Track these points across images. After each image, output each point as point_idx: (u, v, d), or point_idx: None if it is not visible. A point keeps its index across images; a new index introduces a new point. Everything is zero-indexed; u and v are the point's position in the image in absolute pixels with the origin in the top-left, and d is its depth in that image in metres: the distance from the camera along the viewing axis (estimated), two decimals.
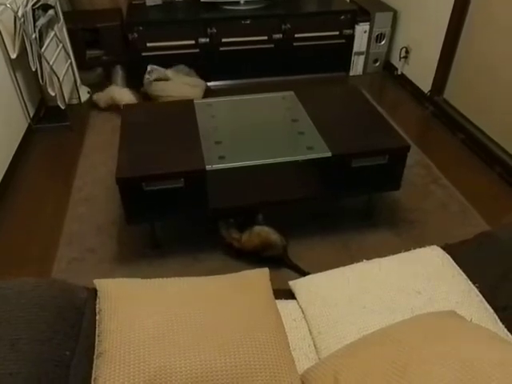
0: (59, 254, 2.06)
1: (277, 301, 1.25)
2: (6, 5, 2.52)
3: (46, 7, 2.78)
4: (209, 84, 3.49)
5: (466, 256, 1.37)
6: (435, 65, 3.07)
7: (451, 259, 1.37)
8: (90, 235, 2.16)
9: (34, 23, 2.60)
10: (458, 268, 1.33)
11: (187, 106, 2.25)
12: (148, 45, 3.28)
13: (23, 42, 2.60)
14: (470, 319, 1.15)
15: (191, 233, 2.18)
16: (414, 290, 1.25)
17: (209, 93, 3.35)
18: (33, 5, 2.62)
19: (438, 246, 1.44)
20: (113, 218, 2.26)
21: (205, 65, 3.41)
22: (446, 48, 2.95)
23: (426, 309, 1.20)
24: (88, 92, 3.40)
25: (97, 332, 1.10)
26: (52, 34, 2.89)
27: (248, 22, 3.33)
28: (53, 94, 2.80)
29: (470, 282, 1.28)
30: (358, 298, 1.25)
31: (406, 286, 1.27)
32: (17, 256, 2.06)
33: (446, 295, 1.24)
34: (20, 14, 2.53)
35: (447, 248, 1.42)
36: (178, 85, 3.14)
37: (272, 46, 3.44)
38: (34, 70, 2.64)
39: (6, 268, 2.00)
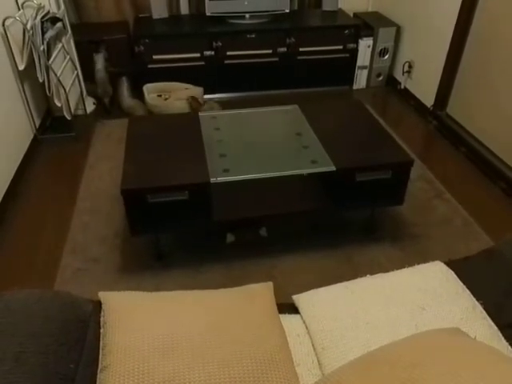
0: (63, 264, 2.06)
1: (280, 315, 1.25)
2: (15, 17, 2.56)
3: (54, 20, 2.82)
4: (213, 96, 3.52)
5: (470, 272, 1.37)
6: (438, 79, 3.10)
7: (455, 275, 1.36)
8: (94, 245, 2.17)
9: (43, 35, 2.64)
10: (462, 284, 1.33)
11: (192, 118, 2.27)
12: (154, 57, 3.32)
13: (31, 53, 2.63)
14: (474, 336, 1.15)
15: (195, 244, 2.18)
16: (418, 305, 1.25)
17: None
18: (42, 17, 2.66)
19: (441, 261, 1.44)
20: (117, 228, 2.27)
21: (210, 77, 3.45)
22: (448, 63, 2.98)
23: (431, 325, 1.20)
24: (93, 103, 3.43)
25: (101, 345, 1.10)
26: (59, 46, 2.93)
27: (253, 35, 3.37)
28: (59, 105, 2.83)
29: (474, 299, 1.28)
30: (361, 313, 1.25)
31: (410, 301, 1.27)
32: (21, 265, 2.07)
33: (450, 312, 1.24)
34: (29, 26, 2.58)
35: (451, 264, 1.42)
36: (176, 102, 3.16)
37: (276, 59, 3.48)
38: (41, 81, 2.67)
39: (10, 277, 2.01)
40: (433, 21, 3.12)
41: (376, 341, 1.17)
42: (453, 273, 1.37)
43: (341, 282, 1.44)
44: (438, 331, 1.08)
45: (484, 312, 1.25)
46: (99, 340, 1.13)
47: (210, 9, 3.36)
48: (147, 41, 3.27)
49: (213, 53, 3.37)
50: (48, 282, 1.98)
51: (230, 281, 1.98)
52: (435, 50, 3.11)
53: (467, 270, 1.38)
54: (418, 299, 1.27)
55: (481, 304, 1.27)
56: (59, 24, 2.89)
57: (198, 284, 1.97)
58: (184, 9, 3.68)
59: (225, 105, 3.45)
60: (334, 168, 1.89)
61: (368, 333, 1.19)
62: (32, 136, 2.89)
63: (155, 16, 3.47)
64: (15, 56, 2.60)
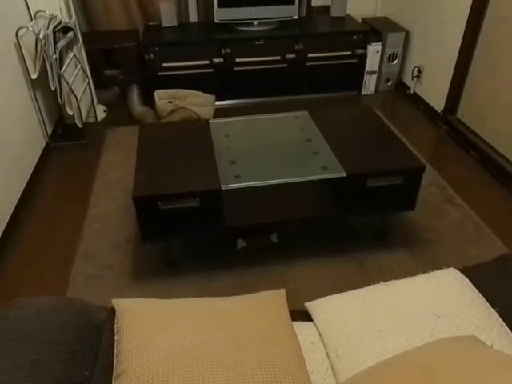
0: (75, 271, 2.08)
1: (293, 323, 1.24)
2: (28, 28, 2.61)
3: (66, 29, 2.87)
4: (223, 103, 3.55)
5: (485, 279, 1.35)
6: (448, 84, 3.08)
7: (470, 282, 1.35)
8: (106, 252, 2.18)
9: (55, 45, 2.68)
10: (477, 291, 1.31)
11: (202, 125, 2.29)
12: (163, 65, 3.35)
13: (43, 62, 2.67)
14: (490, 345, 1.14)
15: (206, 250, 2.19)
16: (433, 313, 1.24)
17: (222, 112, 3.40)
18: (54, 27, 2.70)
19: (455, 268, 1.43)
20: (128, 234, 2.29)
21: (219, 84, 3.47)
22: (458, 67, 2.97)
23: (446, 333, 1.19)
24: (104, 110, 3.47)
25: (115, 352, 1.11)
26: (71, 54, 2.97)
27: (261, 42, 3.39)
28: (71, 113, 2.86)
29: (489, 306, 1.26)
30: (375, 320, 1.24)
31: (425, 309, 1.26)
32: (34, 272, 2.09)
33: (466, 319, 1.22)
34: (41, 36, 2.62)
35: (465, 270, 1.40)
36: (187, 107, 3.18)
37: (285, 65, 3.50)
38: (53, 89, 2.71)
39: (23, 284, 2.02)
40: (442, 25, 3.11)
41: (391, 348, 1.16)
42: (467, 280, 1.35)
43: (352, 288, 1.43)
44: (455, 339, 1.07)
45: (500, 319, 1.23)
46: (113, 347, 1.13)
47: (218, 16, 3.39)
48: (157, 49, 3.30)
49: (222, 60, 3.40)
50: (60, 289, 1.99)
51: (241, 287, 1.98)
52: (445, 55, 3.10)
53: (482, 277, 1.36)
54: (432, 306, 1.26)
55: (497, 311, 1.25)
56: (71, 33, 2.93)
57: (209, 290, 1.97)
58: (193, 16, 3.71)
59: (234, 111, 3.47)
60: (344, 174, 1.88)
61: (382, 340, 1.18)
62: (44, 144, 2.93)
63: (165, 24, 3.50)
64: (28, 65, 2.64)
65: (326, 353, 1.22)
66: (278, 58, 3.46)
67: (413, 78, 3.51)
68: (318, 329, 1.28)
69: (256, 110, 3.43)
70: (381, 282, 1.40)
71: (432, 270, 1.45)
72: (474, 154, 2.88)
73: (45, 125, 2.94)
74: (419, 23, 3.41)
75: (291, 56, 3.46)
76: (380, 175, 1.91)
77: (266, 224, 2.08)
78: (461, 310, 1.25)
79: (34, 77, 2.68)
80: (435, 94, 3.27)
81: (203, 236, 2.24)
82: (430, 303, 1.27)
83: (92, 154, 2.96)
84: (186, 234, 1.95)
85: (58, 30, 2.76)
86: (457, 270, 1.41)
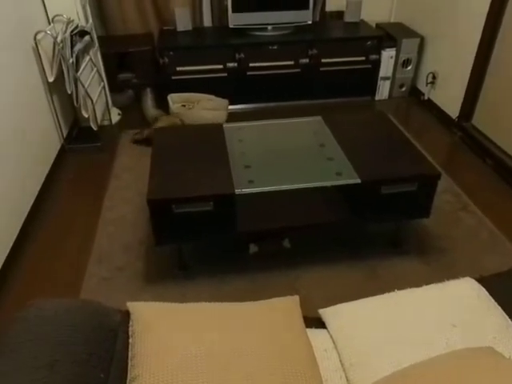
0: (89, 273, 2.09)
1: (307, 329, 1.24)
2: (46, 31, 2.65)
3: (82, 33, 2.90)
4: (236, 107, 3.56)
5: (502, 289, 1.33)
6: (463, 90, 3.06)
7: (486, 292, 1.33)
8: (119, 254, 2.20)
9: (72, 48, 2.72)
10: (494, 301, 1.30)
11: (216, 129, 2.30)
12: (178, 69, 3.38)
13: (60, 66, 2.71)
14: (508, 356, 1.12)
15: (218, 255, 2.19)
16: (449, 323, 1.23)
17: (235, 116, 3.41)
18: (71, 31, 2.74)
19: (471, 277, 1.41)
20: (141, 237, 2.30)
21: (232, 88, 3.48)
22: (474, 73, 2.94)
23: (462, 343, 1.17)
24: (118, 114, 3.50)
25: (130, 355, 1.11)
26: (87, 58, 3.01)
27: (275, 47, 3.40)
28: (86, 116, 2.89)
29: (507, 317, 1.24)
30: (390, 329, 1.23)
31: (440, 318, 1.24)
32: (47, 274, 2.11)
33: (483, 330, 1.21)
34: (59, 39, 2.66)
35: (482, 280, 1.39)
36: (200, 111, 3.20)
37: (298, 70, 3.50)
38: (69, 92, 2.74)
39: (37, 286, 2.05)
40: (458, 31, 3.09)
41: (406, 358, 1.14)
42: (484, 290, 1.33)
43: (365, 295, 1.42)
44: (471, 350, 1.06)
45: None
46: (128, 350, 1.14)
47: (233, 21, 3.41)
48: (171, 53, 3.33)
49: (235, 64, 3.41)
50: (74, 291, 2.01)
51: (253, 292, 1.98)
52: (460, 61, 3.08)
53: (499, 287, 1.34)
54: (448, 316, 1.25)
55: None
56: (87, 37, 2.96)
57: (221, 295, 1.97)
58: (207, 21, 3.74)
59: (247, 115, 3.48)
60: (359, 180, 1.87)
61: (397, 349, 1.17)
62: (60, 146, 2.96)
63: (179, 28, 3.53)
64: (45, 68, 2.68)
65: (340, 361, 1.21)
66: (292, 62, 3.46)
67: (427, 83, 3.48)
68: (331, 336, 1.27)
69: (269, 114, 3.43)
70: (396, 291, 1.38)
71: (446, 279, 1.44)
72: (489, 161, 2.85)
73: (60, 127, 2.97)
74: (434, 29, 3.39)
75: (305, 61, 3.46)
76: (395, 182, 1.90)
77: (278, 229, 2.07)
78: (477, 321, 1.23)
79: (51, 80, 2.72)
80: (450, 100, 3.24)
81: (216, 240, 2.25)
82: (446, 313, 1.26)
83: (106, 157, 2.99)
84: (198, 237, 1.96)
85: (75, 34, 2.79)
86: (473, 280, 1.40)
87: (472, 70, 2.96)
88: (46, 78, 2.71)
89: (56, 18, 2.84)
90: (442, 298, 1.32)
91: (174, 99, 3.29)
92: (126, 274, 2.09)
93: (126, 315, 1.24)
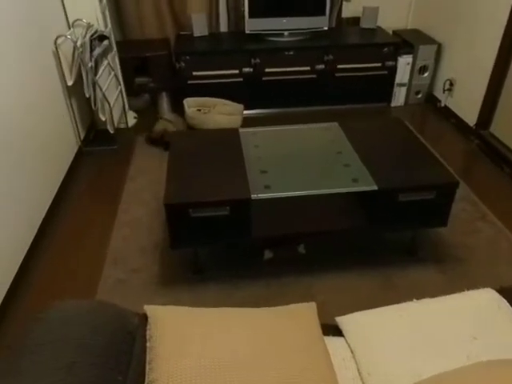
0: (104, 275, 2.11)
1: (324, 337, 1.23)
2: (66, 36, 2.69)
3: (101, 38, 2.95)
4: (251, 112, 3.57)
5: None
6: (481, 97, 3.02)
7: (507, 303, 1.31)
8: (134, 257, 2.21)
9: (91, 53, 2.76)
10: None
11: (232, 134, 2.30)
12: (194, 73, 3.40)
13: (79, 70, 2.75)
14: None
15: (233, 260, 2.19)
16: (470, 334, 1.21)
17: (250, 121, 3.42)
18: (90, 36, 2.78)
19: (492, 288, 1.39)
20: (156, 240, 2.31)
21: (248, 94, 3.50)
22: (493, 80, 2.91)
23: (483, 356, 1.15)
24: (134, 117, 3.54)
25: (147, 359, 1.11)
26: (106, 62, 3.05)
27: (291, 53, 3.41)
28: (103, 119, 2.93)
29: None
30: (409, 339, 1.21)
31: (461, 330, 1.23)
32: (63, 275, 2.13)
33: (504, 342, 1.18)
34: (79, 44, 2.69)
35: (503, 291, 1.36)
36: (215, 116, 3.22)
37: (314, 76, 3.50)
38: (87, 96, 2.78)
39: (53, 287, 2.07)
40: (476, 38, 3.06)
41: (425, 369, 1.13)
42: (505, 301, 1.31)
43: (381, 303, 1.41)
44: (494, 363, 1.04)
45: None
46: (145, 353, 1.14)
47: (249, 26, 3.43)
48: (188, 57, 3.36)
49: (251, 69, 3.42)
50: (89, 293, 2.02)
51: (267, 298, 1.97)
52: (479, 68, 3.05)
53: None
54: (468, 327, 1.23)
55: None
56: (106, 42, 3.01)
57: (235, 300, 1.97)
58: (223, 27, 3.76)
59: (262, 120, 3.48)
60: (376, 187, 1.86)
61: (416, 360, 1.16)
62: (77, 148, 3.00)
63: (196, 33, 3.56)
64: (65, 72, 2.72)
65: (358, 370, 1.20)
66: (308, 68, 3.46)
67: (444, 90, 3.45)
68: (349, 345, 1.26)
69: (284, 119, 3.44)
70: (414, 300, 1.37)
71: (464, 288, 1.42)
72: (507, 169, 2.81)
73: (78, 130, 3.01)
74: (452, 36, 3.36)
75: (320, 67, 3.46)
76: (412, 190, 1.88)
77: (293, 235, 2.07)
78: (499, 333, 1.21)
79: (70, 83, 2.76)
80: (467, 107, 3.21)
81: (231, 245, 2.25)
82: (466, 324, 1.24)
83: (122, 160, 3.02)
84: (214, 241, 1.96)
85: (95, 39, 2.84)
86: (494, 291, 1.37)
87: (491, 78, 2.92)
88: (66, 81, 2.75)
89: (76, 23, 2.88)
90: (461, 308, 1.30)
91: (190, 103, 3.32)
92: (141, 277, 2.10)
93: (144, 318, 1.24)
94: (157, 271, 2.13)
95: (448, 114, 3.46)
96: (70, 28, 2.91)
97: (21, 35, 2.27)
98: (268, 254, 2.16)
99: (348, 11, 3.79)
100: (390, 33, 3.74)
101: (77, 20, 2.89)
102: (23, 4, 2.31)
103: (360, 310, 1.38)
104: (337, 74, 3.50)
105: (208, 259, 2.19)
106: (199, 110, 3.31)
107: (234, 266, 2.15)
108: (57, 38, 2.63)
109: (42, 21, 2.55)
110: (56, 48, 2.64)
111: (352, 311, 1.40)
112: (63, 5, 2.86)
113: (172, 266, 2.16)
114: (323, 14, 3.41)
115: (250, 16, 3.38)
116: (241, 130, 2.35)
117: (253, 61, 3.39)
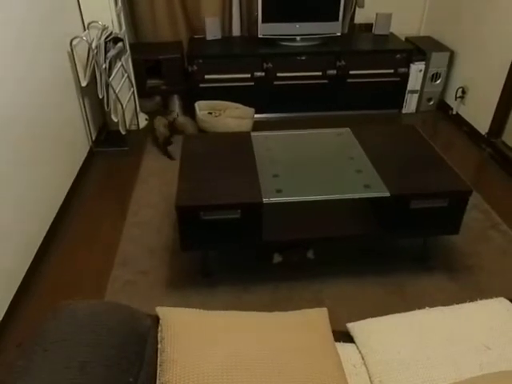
0: (113, 276, 2.12)
1: (336, 343, 1.22)
2: (81, 37, 2.72)
3: (116, 40, 2.97)
4: (262, 116, 3.58)
5: None
6: (494, 106, 3.00)
7: None
8: (143, 258, 2.22)
9: (105, 54, 2.78)
10: None
11: (244, 137, 2.31)
12: (206, 77, 3.42)
13: (93, 71, 2.77)
14: None
15: (242, 263, 2.19)
16: (483, 344, 1.19)
17: (261, 125, 3.43)
18: (105, 37, 2.81)
19: (505, 298, 1.38)
20: (165, 242, 2.32)
21: (259, 98, 3.51)
22: (506, 89, 2.89)
23: (496, 366, 1.14)
24: (146, 119, 3.56)
25: (159, 361, 1.11)
26: (119, 64, 3.07)
27: (303, 58, 3.41)
28: (116, 120, 2.95)
29: None
30: (421, 347, 1.20)
31: (474, 339, 1.21)
32: (73, 275, 2.14)
33: None
34: (94, 45, 2.72)
35: None
36: (226, 119, 3.23)
37: (326, 81, 3.50)
38: (101, 97, 2.80)
39: (63, 287, 2.08)
40: (490, 46, 3.05)
41: (438, 378, 1.12)
42: None
43: (391, 311, 1.40)
44: (508, 374, 1.02)
45: None
46: (157, 355, 1.14)
47: (262, 31, 3.44)
48: (200, 61, 3.38)
49: (263, 74, 3.43)
50: (98, 293, 2.03)
51: (276, 302, 1.97)
52: (492, 76, 3.03)
53: None
54: (481, 337, 1.21)
55: None
56: (120, 44, 3.03)
57: (243, 303, 1.97)
58: (236, 31, 3.78)
59: (273, 124, 3.49)
60: (388, 194, 1.85)
61: (429, 369, 1.15)
62: (88, 148, 3.02)
63: (209, 37, 3.58)
64: (79, 73, 2.75)
65: (369, 377, 1.19)
66: (319, 73, 3.46)
67: (456, 98, 3.44)
68: (360, 351, 1.25)
69: (294, 124, 3.44)
70: (426, 308, 1.36)
71: (475, 297, 1.42)
72: None
73: (90, 130, 3.04)
74: (465, 43, 3.35)
75: (332, 72, 3.46)
76: (425, 197, 1.87)
77: (303, 240, 2.06)
78: None
79: (83, 84, 2.78)
80: (480, 115, 3.19)
81: (241, 248, 2.25)
82: (479, 333, 1.23)
83: (133, 161, 3.04)
84: (224, 244, 1.96)
85: (109, 41, 2.86)
86: (507, 300, 1.36)
87: (504, 86, 2.90)
88: (79, 82, 2.77)
89: (91, 25, 2.91)
90: (474, 317, 1.28)
91: (201, 106, 3.33)
92: (150, 278, 2.10)
93: (155, 320, 1.24)
94: (166, 273, 2.13)
95: (460, 121, 3.44)
96: (85, 30, 2.94)
97: (37, 36, 2.29)
98: (277, 258, 2.16)
99: (361, 17, 3.79)
100: (403, 39, 3.73)
101: (92, 22, 2.92)
102: (40, 5, 2.34)
103: (368, 317, 1.37)
104: (349, 80, 3.50)
105: (218, 262, 2.19)
106: (210, 113, 3.32)
107: (243, 269, 2.15)
108: (72, 40, 2.66)
109: (59, 22, 2.58)
110: (71, 49, 2.67)
111: (360, 318, 1.39)
112: (79, 7, 2.90)
113: (181, 268, 2.16)
114: (336, 19, 3.42)
115: (264, 21, 3.39)
116: (253, 133, 2.36)
117: (265, 65, 3.40)
